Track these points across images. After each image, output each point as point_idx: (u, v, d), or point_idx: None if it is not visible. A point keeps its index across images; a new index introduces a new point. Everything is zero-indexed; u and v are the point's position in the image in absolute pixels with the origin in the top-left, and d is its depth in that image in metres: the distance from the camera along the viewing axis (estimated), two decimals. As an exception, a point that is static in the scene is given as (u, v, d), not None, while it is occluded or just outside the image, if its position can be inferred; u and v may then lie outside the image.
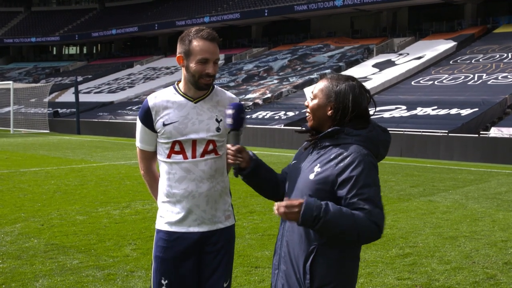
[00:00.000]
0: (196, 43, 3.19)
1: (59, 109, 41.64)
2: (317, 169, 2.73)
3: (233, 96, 3.45)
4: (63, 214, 9.39)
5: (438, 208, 10.23)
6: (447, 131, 21.05)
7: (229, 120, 3.03)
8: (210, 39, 3.19)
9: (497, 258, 6.87)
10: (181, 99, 3.29)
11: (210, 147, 3.28)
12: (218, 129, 3.28)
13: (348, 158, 2.67)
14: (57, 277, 5.97)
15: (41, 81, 56.21)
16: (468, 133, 21.09)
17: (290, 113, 28.91)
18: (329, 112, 2.80)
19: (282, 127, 26.21)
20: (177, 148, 3.27)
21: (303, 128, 2.96)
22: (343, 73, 36.98)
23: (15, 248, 7.13)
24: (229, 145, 3.00)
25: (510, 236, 8.03)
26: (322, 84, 2.86)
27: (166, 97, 3.31)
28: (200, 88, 3.25)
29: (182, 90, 3.32)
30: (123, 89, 47.58)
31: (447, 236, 7.99)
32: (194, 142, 3.25)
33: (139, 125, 3.36)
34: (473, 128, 21.93)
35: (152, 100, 3.31)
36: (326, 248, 2.69)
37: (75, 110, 35.66)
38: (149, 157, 3.43)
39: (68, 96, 46.77)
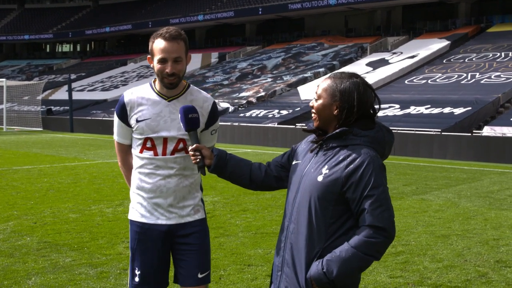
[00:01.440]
0: (155, 43, 3.26)
1: (52, 107, 41.54)
2: (325, 171, 2.70)
3: (208, 96, 3.50)
4: (56, 212, 9.38)
5: (430, 206, 10.27)
6: (440, 130, 21.11)
7: (181, 124, 3.17)
8: (167, 37, 3.22)
9: (489, 256, 6.90)
10: (156, 97, 3.37)
11: (181, 145, 3.36)
12: None
13: (357, 160, 2.65)
14: (50, 275, 5.97)
15: (34, 79, 56.03)
16: (461, 132, 21.16)
17: (284, 112, 28.92)
18: (335, 111, 2.75)
19: (276, 125, 26.22)
20: (148, 144, 3.37)
21: (308, 128, 2.92)
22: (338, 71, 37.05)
23: (8, 246, 7.12)
24: (190, 147, 3.14)
25: (502, 235, 8.07)
26: (325, 84, 2.82)
27: (142, 94, 3.40)
28: (165, 87, 3.32)
29: (157, 88, 3.39)
30: (116, 87, 47.47)
31: (439, 235, 8.02)
32: (165, 140, 3.33)
33: (116, 119, 3.47)
34: (466, 127, 22.01)
35: (128, 96, 3.40)
36: (330, 251, 2.67)
37: (68, 108, 35.58)
38: (125, 150, 3.54)
39: (61, 94, 46.67)
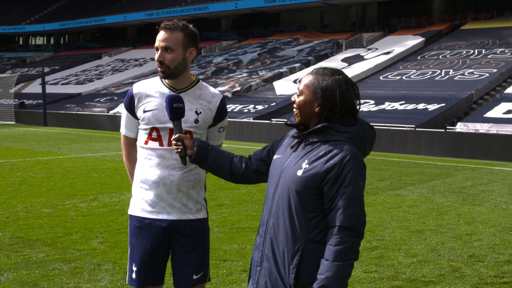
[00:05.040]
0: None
1: (25, 100, 41.06)
2: (305, 165, 2.68)
3: (217, 92, 3.53)
4: (29, 206, 9.26)
5: (405, 201, 10.34)
6: (414, 126, 21.28)
7: (166, 113, 3.17)
8: (162, 27, 3.32)
9: (462, 251, 6.97)
10: (164, 89, 3.40)
11: None
12: (196, 121, 3.37)
13: (337, 156, 2.63)
14: (23, 270, 5.89)
15: (7, 72, 55.25)
16: (435, 128, 21.34)
17: (259, 107, 28.92)
18: (317, 109, 2.74)
19: (251, 120, 26.21)
20: (154, 135, 3.37)
21: (290, 122, 2.90)
22: (313, 67, 37.25)
23: (-21, 241, 7.02)
24: (172, 137, 3.15)
25: (475, 230, 8.16)
26: (307, 80, 2.79)
27: (150, 86, 3.44)
28: (161, 76, 3.39)
29: (166, 81, 3.42)
30: (91, 80, 47.06)
31: (414, 230, 8.08)
32: (171, 131, 3.31)
33: (123, 111, 3.50)
34: (440, 123, 22.20)
35: (137, 88, 3.44)
36: (313, 246, 2.66)
37: (41, 101, 35.16)
38: (131, 144, 3.55)
39: (34, 87, 46.11)
